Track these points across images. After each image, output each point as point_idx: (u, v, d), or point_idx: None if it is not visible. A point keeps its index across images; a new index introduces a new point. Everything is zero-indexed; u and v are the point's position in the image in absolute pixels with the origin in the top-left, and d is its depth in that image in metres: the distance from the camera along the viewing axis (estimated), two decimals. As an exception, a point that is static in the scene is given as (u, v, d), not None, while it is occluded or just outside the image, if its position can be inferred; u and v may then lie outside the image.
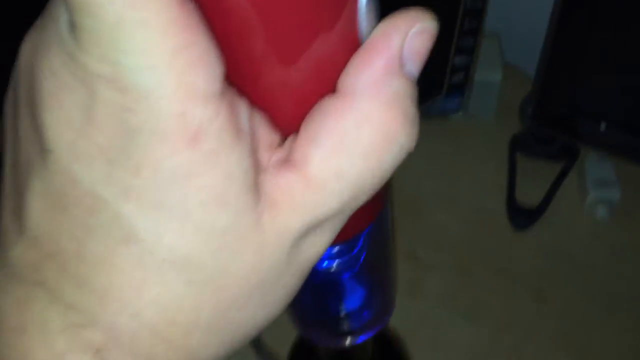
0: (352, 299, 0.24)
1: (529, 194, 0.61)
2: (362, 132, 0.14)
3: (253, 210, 0.13)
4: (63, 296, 0.13)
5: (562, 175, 0.61)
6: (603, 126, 0.54)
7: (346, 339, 0.25)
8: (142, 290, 0.13)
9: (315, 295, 0.23)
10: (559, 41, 0.53)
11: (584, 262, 0.57)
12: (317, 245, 0.15)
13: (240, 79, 0.14)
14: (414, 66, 0.14)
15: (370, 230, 0.22)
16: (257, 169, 0.13)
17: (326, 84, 0.14)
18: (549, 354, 0.51)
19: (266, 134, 0.15)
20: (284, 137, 0.15)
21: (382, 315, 0.26)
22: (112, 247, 0.13)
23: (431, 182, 0.64)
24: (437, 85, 0.58)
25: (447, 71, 0.55)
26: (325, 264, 0.22)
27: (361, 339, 0.25)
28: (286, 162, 0.14)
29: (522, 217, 0.59)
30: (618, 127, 0.54)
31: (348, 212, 0.15)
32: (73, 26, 0.11)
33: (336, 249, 0.21)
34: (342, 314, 0.24)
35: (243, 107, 0.13)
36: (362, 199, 0.15)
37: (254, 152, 0.13)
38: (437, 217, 0.61)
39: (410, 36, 0.14)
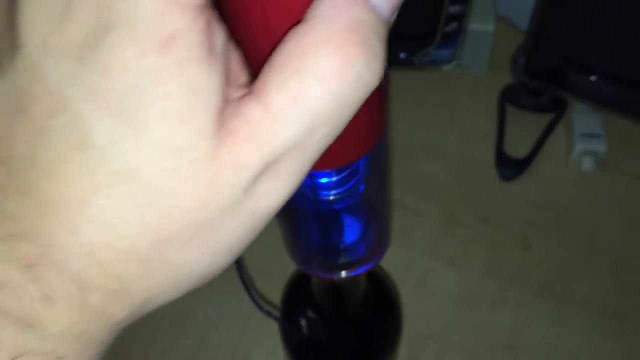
0: (350, 231, 0.24)
1: (518, 145, 0.62)
2: (319, 54, 0.13)
3: (212, 136, 0.13)
4: (6, 204, 0.13)
5: (550, 127, 0.62)
6: (593, 78, 0.55)
7: (342, 272, 0.26)
8: (86, 204, 0.12)
9: (314, 225, 0.24)
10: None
11: (568, 211, 0.58)
12: (274, 193, 0.14)
13: (224, 15, 0.14)
14: (383, 3, 0.14)
15: (368, 159, 0.22)
16: (223, 97, 0.13)
17: None
18: (532, 299, 0.53)
19: (238, 71, 0.14)
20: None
21: (378, 249, 0.26)
22: (65, 152, 0.12)
23: (421, 131, 0.65)
24: (430, 34, 0.57)
25: (440, 20, 0.55)
26: (324, 193, 0.22)
27: (356, 272, 0.26)
28: (248, 92, 0.13)
29: (510, 167, 0.60)
30: (607, 79, 0.54)
31: (310, 150, 0.14)
32: None
33: (335, 178, 0.22)
34: (340, 245, 0.25)
35: (220, 33, 0.13)
36: (324, 131, 0.14)
37: (222, 78, 0.13)
38: (426, 166, 0.62)
39: None
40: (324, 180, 0.22)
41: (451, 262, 0.55)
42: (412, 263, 0.55)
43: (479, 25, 0.63)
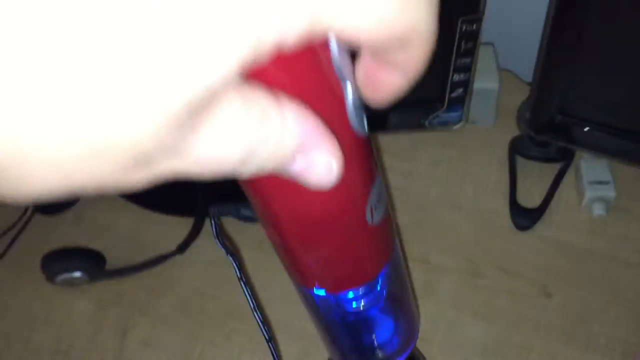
0: (383, 330, 0.28)
1: (530, 195, 0.65)
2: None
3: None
4: None
5: (560, 175, 0.65)
6: (597, 131, 0.58)
7: None
8: None
9: (348, 332, 0.27)
10: (552, 52, 0.57)
11: (584, 256, 0.61)
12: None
13: None
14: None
15: (387, 270, 0.25)
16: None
17: None
18: (557, 347, 0.55)
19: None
20: None
21: (410, 339, 0.30)
22: None
23: (437, 187, 0.68)
24: (438, 101, 0.61)
25: (447, 88, 0.59)
26: (354, 304, 0.26)
27: None
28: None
29: (524, 217, 0.63)
30: (611, 132, 0.58)
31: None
32: None
33: (362, 289, 0.25)
34: (375, 344, 0.28)
35: None
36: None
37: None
38: (445, 220, 0.65)
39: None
40: (349, 296, 0.25)
41: (476, 313, 0.58)
42: (438, 316, 0.59)
43: (484, 84, 0.67)
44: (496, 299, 0.59)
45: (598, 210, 0.62)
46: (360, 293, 0.25)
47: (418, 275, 0.61)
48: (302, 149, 0.15)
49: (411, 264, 0.62)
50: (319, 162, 0.16)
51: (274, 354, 0.33)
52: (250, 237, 0.66)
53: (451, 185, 0.68)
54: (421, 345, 0.57)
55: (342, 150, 0.16)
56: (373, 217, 0.22)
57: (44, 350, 0.61)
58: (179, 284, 0.64)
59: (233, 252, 0.33)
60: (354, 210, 0.21)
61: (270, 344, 0.33)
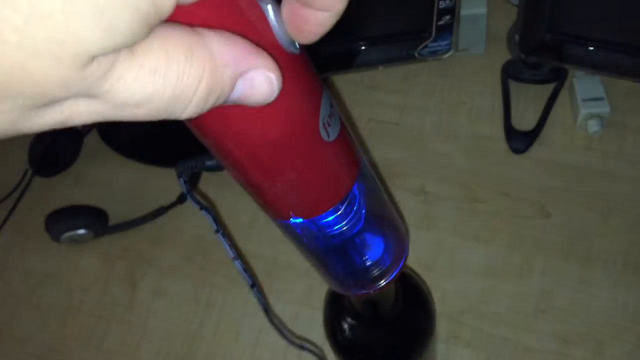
0: (370, 249, 0.28)
1: (525, 118, 0.65)
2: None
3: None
4: None
5: (553, 96, 0.65)
6: (587, 48, 0.57)
7: (376, 284, 0.30)
8: None
9: (339, 256, 0.27)
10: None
11: (581, 175, 0.61)
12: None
13: None
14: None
15: (357, 185, 0.25)
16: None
17: None
18: (557, 264, 0.56)
19: None
20: None
21: (400, 253, 0.30)
22: None
23: (432, 117, 0.68)
24: (426, 30, 0.60)
25: (433, 16, 0.58)
26: (336, 227, 0.26)
27: (389, 279, 0.30)
28: None
29: (520, 140, 0.63)
30: (601, 47, 0.57)
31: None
32: None
33: (338, 211, 0.25)
34: (366, 264, 0.28)
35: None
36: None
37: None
38: (441, 149, 0.65)
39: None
40: (328, 219, 0.25)
41: (477, 238, 0.59)
42: (440, 245, 0.59)
43: (472, 10, 0.65)
44: (496, 223, 0.60)
45: (593, 127, 0.61)
46: (338, 214, 0.25)
47: (417, 207, 0.62)
48: (238, 73, 0.16)
49: (409, 196, 0.63)
50: (258, 79, 0.16)
51: (260, 300, 0.34)
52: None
53: (445, 116, 0.68)
54: (423, 272, 0.58)
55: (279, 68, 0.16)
56: (328, 133, 0.22)
57: (57, 308, 0.62)
58: (182, 233, 0.64)
59: (207, 207, 0.33)
60: (306, 128, 0.21)
61: (254, 289, 0.34)
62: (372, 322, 0.36)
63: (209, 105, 0.15)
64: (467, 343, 0.53)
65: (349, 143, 0.24)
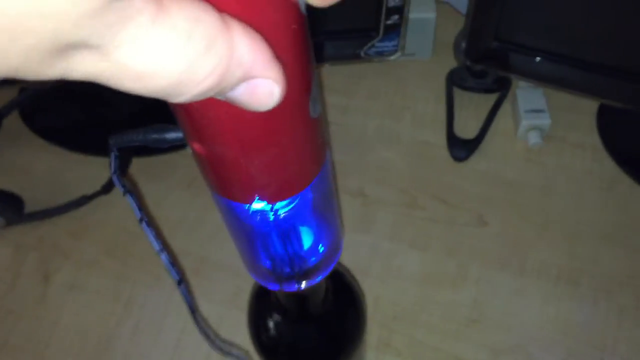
0: (311, 240, 0.26)
1: (467, 126, 0.65)
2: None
3: None
4: None
5: (496, 106, 0.65)
6: (533, 58, 0.57)
7: (309, 279, 0.27)
8: None
9: (279, 244, 0.25)
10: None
11: (519, 185, 0.61)
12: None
13: None
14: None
15: (316, 181, 0.23)
16: None
17: None
18: (492, 273, 0.55)
19: None
20: None
21: (336, 249, 0.28)
22: None
23: (374, 120, 0.67)
24: (373, 29, 0.59)
25: (381, 15, 0.57)
26: (278, 212, 0.23)
27: (318, 278, 0.28)
28: None
29: (461, 148, 0.62)
30: (546, 58, 0.57)
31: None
32: None
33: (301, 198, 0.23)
34: (304, 255, 0.26)
35: None
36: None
37: None
38: (382, 153, 0.64)
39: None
40: (285, 203, 0.23)
41: (413, 244, 0.58)
42: (375, 249, 0.57)
43: (420, 13, 0.65)
44: (433, 229, 0.58)
45: (534, 138, 0.61)
46: (300, 200, 0.23)
47: (355, 209, 0.60)
48: (247, 77, 0.15)
49: (348, 198, 0.61)
50: (262, 89, 0.15)
51: (186, 298, 0.31)
52: (180, 176, 0.63)
53: (389, 119, 0.67)
54: (357, 276, 0.56)
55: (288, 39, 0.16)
56: (315, 108, 0.21)
57: (-41, 300, 0.57)
58: (104, 225, 0.60)
59: (131, 190, 0.30)
60: (301, 99, 0.20)
61: (180, 286, 0.31)
62: (300, 321, 0.34)
63: (205, 96, 0.15)
64: (398, 351, 0.52)
65: (324, 123, 0.22)
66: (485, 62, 0.61)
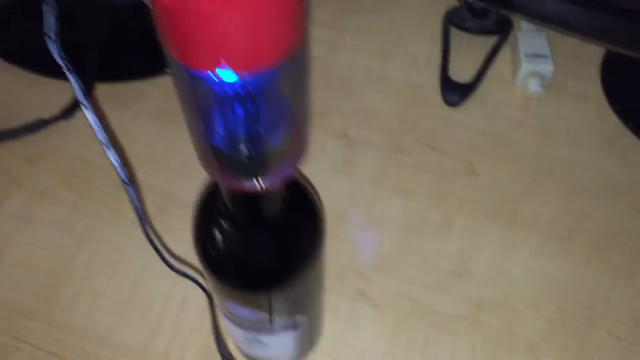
0: (265, 118, 0.21)
1: (463, 70, 0.60)
2: None
3: None
4: None
5: (495, 49, 0.60)
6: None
7: (263, 177, 0.23)
8: None
9: (230, 115, 0.21)
10: None
11: (515, 135, 0.56)
12: None
13: None
14: None
15: (288, 63, 0.19)
16: None
17: None
18: (479, 225, 0.51)
19: None
20: None
21: (296, 151, 0.24)
22: None
23: (364, 58, 0.62)
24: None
25: None
26: (242, 85, 0.19)
27: (277, 176, 0.23)
28: None
29: (455, 92, 0.58)
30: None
31: None
32: None
33: (273, 69, 0.19)
34: (255, 142, 0.21)
35: None
36: None
37: None
38: (369, 94, 0.59)
39: None
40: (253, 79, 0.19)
41: (397, 191, 0.53)
42: (357, 194, 0.53)
43: (420, -58, 0.59)
44: (419, 176, 0.54)
45: (534, 86, 0.57)
46: (269, 77, 0.19)
47: (336, 150, 0.56)
48: None
49: (329, 139, 0.56)
50: None
51: (133, 200, 0.26)
52: (150, 104, 0.58)
53: (379, 58, 0.62)
54: (336, 221, 0.52)
55: None
56: None
57: None
58: (62, 153, 0.55)
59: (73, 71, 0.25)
60: None
61: (128, 186, 0.26)
62: (251, 230, 0.30)
63: None
64: (374, 302, 0.48)
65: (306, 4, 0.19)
66: (488, 0, 0.56)
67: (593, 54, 0.61)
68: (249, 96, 0.20)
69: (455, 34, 0.62)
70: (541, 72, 0.57)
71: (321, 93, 0.59)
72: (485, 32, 0.61)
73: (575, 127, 0.57)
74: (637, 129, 0.56)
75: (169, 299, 0.48)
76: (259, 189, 0.23)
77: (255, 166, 0.22)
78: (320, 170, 0.54)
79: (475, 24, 0.60)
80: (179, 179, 0.54)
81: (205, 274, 0.32)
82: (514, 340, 0.46)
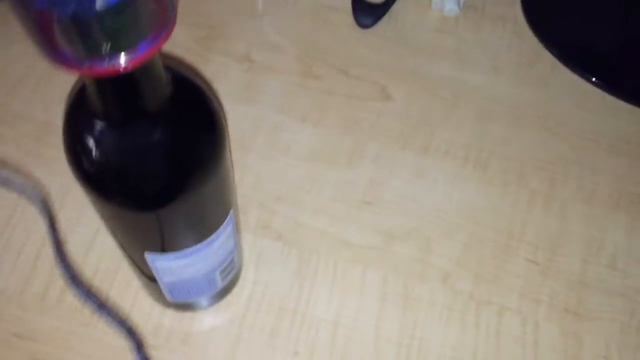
0: None
1: (376, -10, 0.56)
2: None
3: None
4: None
5: (411, -33, 0.56)
6: None
7: (118, 53, 0.18)
8: None
9: None
10: None
11: (430, 58, 0.53)
12: None
13: None
14: None
15: None
16: None
17: None
18: (392, 152, 0.48)
19: None
20: None
21: (152, 22, 0.19)
22: None
23: (270, -20, 0.56)
24: None
25: None
26: None
27: (137, 52, 0.18)
28: None
29: (367, 13, 0.54)
30: None
31: None
32: None
33: None
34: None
35: None
36: None
37: None
38: (273, 15, 0.54)
39: None
40: None
41: (305, 117, 0.49)
42: (261, 121, 0.49)
43: None
44: (329, 102, 0.50)
45: (449, 4, 0.53)
46: None
47: (239, 76, 0.51)
48: None
49: (231, 64, 0.51)
50: None
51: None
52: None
53: (286, -22, 0.57)
54: (239, 151, 0.47)
55: None
56: None
57: None
58: None
59: None
60: None
61: None
62: (129, 126, 0.24)
63: None
64: (278, 234, 0.44)
65: None
66: None
67: (512, -25, 0.58)
68: None
69: (369, -48, 0.57)
70: (458, -10, 0.53)
71: (223, 14, 0.54)
72: (400, -51, 0.56)
73: (493, 49, 0.54)
74: (556, 50, 0.53)
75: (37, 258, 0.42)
76: (113, 70, 0.18)
77: (100, 36, 0.17)
78: (223, 97, 0.49)
79: (390, -59, 0.56)
80: (58, 108, 0.48)
81: (88, 196, 0.27)
82: (427, 268, 0.43)
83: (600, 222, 0.46)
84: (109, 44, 0.18)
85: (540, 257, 0.44)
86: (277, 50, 0.52)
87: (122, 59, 0.19)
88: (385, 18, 0.54)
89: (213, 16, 0.54)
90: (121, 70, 0.19)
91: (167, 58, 0.23)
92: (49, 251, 0.42)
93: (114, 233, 0.31)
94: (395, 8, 0.55)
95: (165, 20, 0.20)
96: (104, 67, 0.19)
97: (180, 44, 0.52)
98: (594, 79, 0.52)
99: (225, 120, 0.28)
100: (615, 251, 0.45)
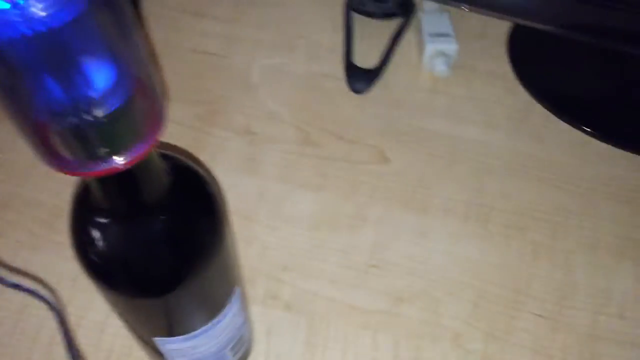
0: (91, 74, 0.17)
1: (368, 55, 0.58)
2: None
3: None
4: None
5: (399, 32, 0.58)
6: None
7: (113, 155, 0.19)
8: None
9: (36, 71, 0.16)
10: None
11: (424, 118, 0.54)
12: None
13: None
14: None
15: None
16: None
17: None
18: (394, 214, 0.49)
19: None
20: None
21: (153, 117, 0.20)
22: None
23: (264, 53, 0.58)
24: None
25: None
26: (34, 16, 0.15)
27: (134, 152, 0.20)
28: None
29: (360, 79, 0.55)
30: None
31: None
32: None
33: None
34: (80, 96, 0.17)
35: None
36: None
37: None
38: (273, 87, 0.56)
39: None
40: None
41: (306, 185, 0.50)
42: (264, 192, 0.50)
43: None
44: (328, 169, 0.51)
45: (439, 65, 0.55)
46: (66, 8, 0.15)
47: (241, 149, 0.52)
48: None
49: (233, 137, 0.53)
50: None
51: None
52: None
53: (280, 50, 0.59)
54: (244, 223, 0.48)
55: None
56: None
57: None
58: None
59: None
60: None
61: None
62: (131, 221, 0.25)
63: None
64: (287, 304, 0.44)
65: None
66: (385, -20, 0.54)
67: (498, 31, 0.60)
68: (53, 37, 0.15)
69: (359, 20, 0.59)
70: (446, 51, 0.55)
71: (222, 90, 0.56)
72: (388, 15, 0.59)
73: (486, 106, 0.55)
74: (547, 102, 0.55)
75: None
76: (111, 171, 0.20)
77: (98, 141, 0.18)
78: (225, 170, 0.51)
79: (377, 8, 0.58)
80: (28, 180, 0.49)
81: (99, 290, 0.28)
82: (438, 329, 0.43)
83: (606, 271, 0.46)
84: (107, 149, 0.19)
85: (549, 311, 0.44)
86: (275, 120, 0.54)
87: (120, 159, 0.20)
88: (379, 82, 0.56)
89: (211, 92, 0.55)
90: (119, 169, 0.20)
91: (163, 146, 0.24)
92: (60, 349, 0.42)
93: (123, 319, 0.32)
94: (388, 72, 0.57)
95: (158, 119, 0.21)
96: (102, 169, 0.20)
97: (182, 121, 0.53)
98: (586, 128, 0.53)
99: (224, 202, 0.29)
100: (624, 300, 0.45)
